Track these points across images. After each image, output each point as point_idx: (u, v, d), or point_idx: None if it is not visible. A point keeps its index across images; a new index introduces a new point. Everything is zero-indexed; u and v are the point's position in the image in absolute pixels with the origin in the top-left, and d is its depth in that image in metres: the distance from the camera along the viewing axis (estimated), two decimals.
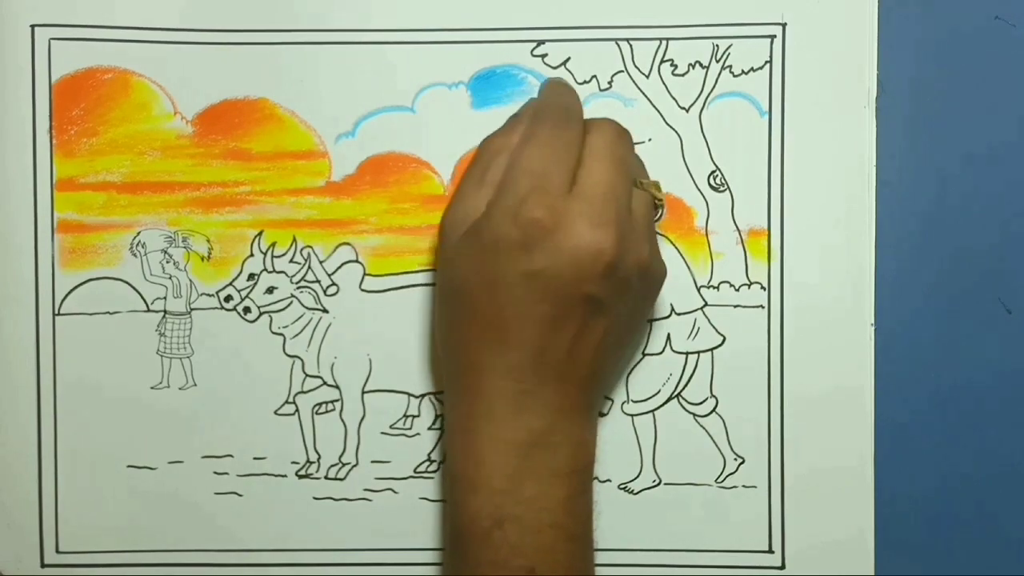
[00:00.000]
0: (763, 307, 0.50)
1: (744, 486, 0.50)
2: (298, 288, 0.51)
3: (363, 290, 0.51)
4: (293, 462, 0.51)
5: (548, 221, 0.42)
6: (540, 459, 0.44)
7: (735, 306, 0.50)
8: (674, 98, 0.50)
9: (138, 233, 0.50)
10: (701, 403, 0.51)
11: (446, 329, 0.46)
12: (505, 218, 0.43)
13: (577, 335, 0.44)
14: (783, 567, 0.50)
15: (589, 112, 0.49)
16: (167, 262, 0.51)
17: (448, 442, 0.47)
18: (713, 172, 0.50)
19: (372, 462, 0.51)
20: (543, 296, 0.43)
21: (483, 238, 0.44)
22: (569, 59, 0.50)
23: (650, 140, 0.50)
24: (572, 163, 0.44)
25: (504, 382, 0.44)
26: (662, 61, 0.50)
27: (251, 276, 0.51)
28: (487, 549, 0.43)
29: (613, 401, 0.51)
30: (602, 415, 0.51)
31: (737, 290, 0.50)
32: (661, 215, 0.50)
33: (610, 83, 0.50)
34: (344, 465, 0.51)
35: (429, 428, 0.51)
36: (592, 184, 0.43)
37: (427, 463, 0.51)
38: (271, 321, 0.51)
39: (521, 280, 0.43)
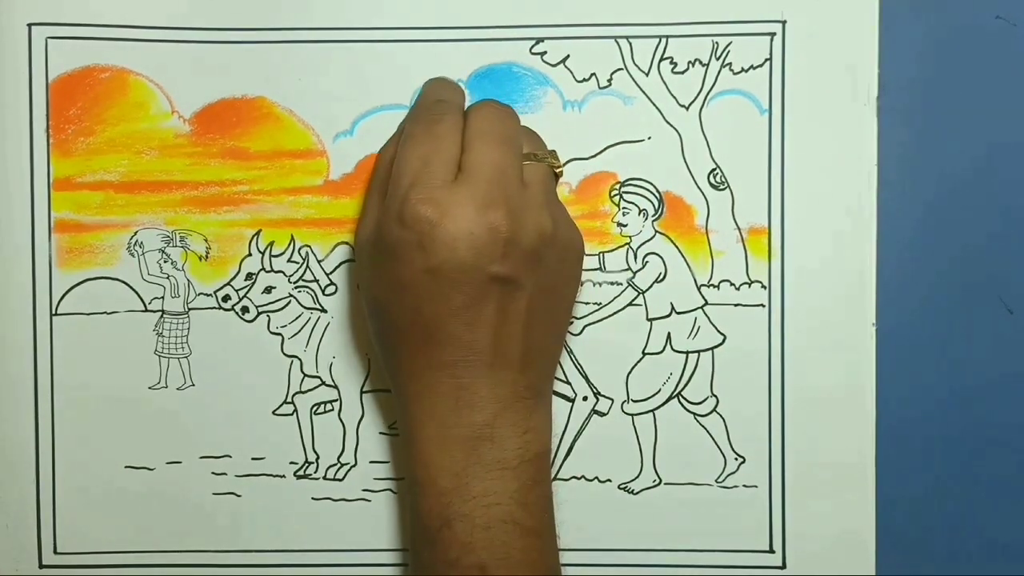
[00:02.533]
0: (764, 306, 0.50)
1: (745, 486, 0.50)
2: (296, 288, 0.51)
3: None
4: (291, 462, 0.51)
5: (433, 214, 0.42)
6: (486, 453, 0.44)
7: (735, 305, 0.50)
8: (674, 96, 0.50)
9: (135, 233, 0.50)
10: (701, 402, 0.50)
11: (376, 341, 0.47)
12: (393, 222, 0.43)
13: (499, 318, 0.44)
14: (783, 567, 0.50)
15: (588, 110, 0.49)
16: (165, 262, 0.50)
17: (400, 448, 0.47)
18: (713, 170, 0.50)
19: (371, 462, 0.51)
20: (451, 288, 0.43)
21: (381, 247, 0.44)
22: (568, 57, 0.50)
23: (650, 138, 0.50)
24: (453, 151, 0.44)
25: (438, 381, 0.44)
26: (662, 59, 0.50)
27: (249, 276, 0.51)
28: (438, 549, 0.43)
29: (613, 401, 0.50)
30: (602, 415, 0.50)
31: (738, 289, 0.50)
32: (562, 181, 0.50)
33: (609, 81, 0.50)
34: (343, 465, 0.51)
35: None
36: (475, 166, 0.44)
37: None
38: (269, 321, 0.51)
39: (425, 278, 0.43)
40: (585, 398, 0.50)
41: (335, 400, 0.51)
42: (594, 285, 0.50)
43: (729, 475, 0.50)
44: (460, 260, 0.43)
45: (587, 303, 0.50)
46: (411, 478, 0.45)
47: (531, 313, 0.44)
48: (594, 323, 0.50)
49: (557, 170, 0.48)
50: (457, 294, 0.43)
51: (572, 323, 0.50)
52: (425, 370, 0.44)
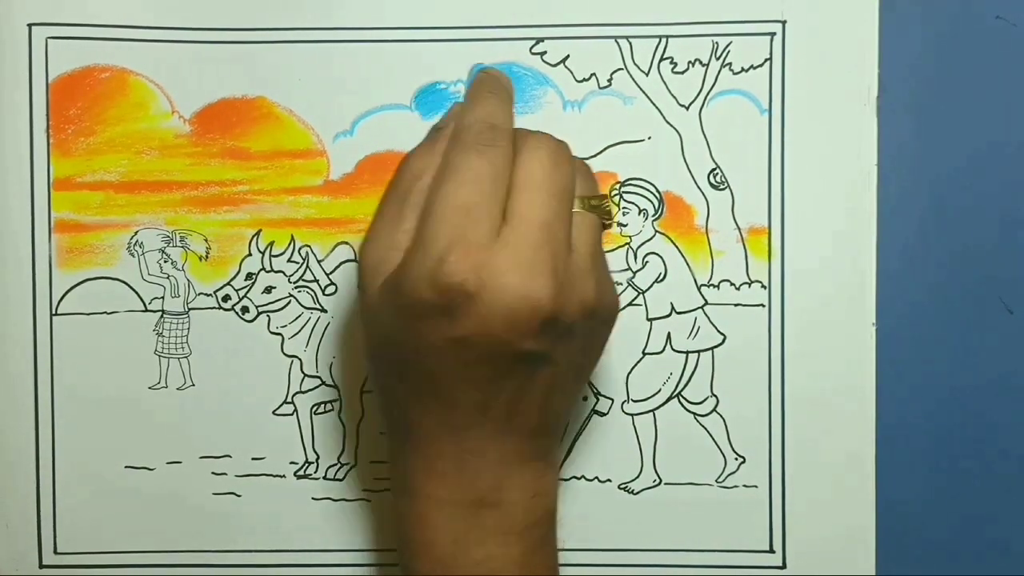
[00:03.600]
0: (764, 306, 0.50)
1: (745, 486, 0.50)
2: (296, 287, 0.51)
3: None
4: (292, 462, 0.51)
5: (472, 283, 0.38)
6: (489, 519, 0.41)
7: (735, 305, 0.50)
8: (674, 96, 0.50)
9: (136, 233, 0.50)
10: (701, 402, 0.50)
11: (378, 383, 0.43)
12: (423, 280, 0.38)
13: (520, 389, 0.40)
14: (784, 567, 0.50)
15: (588, 110, 0.49)
16: (165, 262, 0.50)
17: (392, 500, 0.44)
18: (713, 170, 0.50)
19: (371, 462, 0.51)
20: (476, 359, 0.39)
21: (402, 298, 0.39)
22: (568, 57, 0.50)
23: (650, 138, 0.50)
24: (500, 196, 0.39)
25: (444, 441, 0.41)
26: (662, 59, 0.50)
27: (249, 275, 0.51)
28: None
29: (613, 401, 0.50)
30: (602, 415, 0.50)
31: (738, 289, 0.50)
32: (611, 225, 0.46)
33: (609, 81, 0.50)
34: (343, 465, 0.51)
35: None
36: (523, 224, 0.39)
37: None
38: (269, 321, 0.51)
39: (449, 346, 0.39)
40: (585, 398, 0.50)
41: (335, 400, 0.51)
42: None
43: (729, 475, 0.50)
44: (492, 335, 0.38)
45: None
46: (405, 539, 0.42)
47: (555, 384, 0.41)
48: None
49: (606, 221, 0.43)
50: (482, 366, 0.39)
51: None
52: (430, 428, 0.41)
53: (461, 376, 0.39)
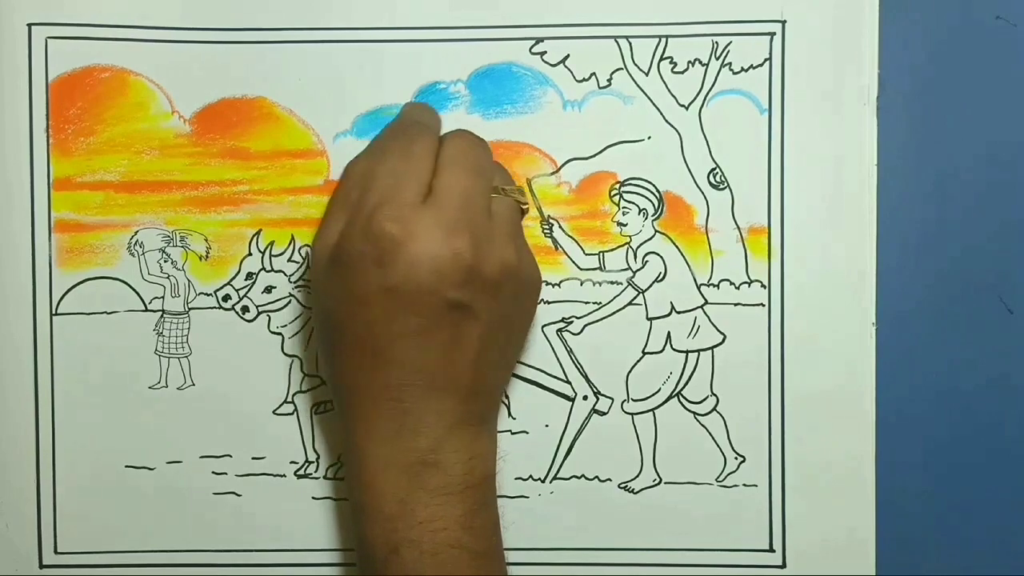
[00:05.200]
0: (763, 305, 0.50)
1: (745, 485, 0.50)
2: (296, 287, 0.51)
3: None
4: (292, 462, 0.51)
5: (399, 233, 0.42)
6: (430, 479, 0.43)
7: (735, 304, 0.50)
8: (673, 96, 0.50)
9: (136, 232, 0.50)
10: (701, 402, 0.50)
11: (324, 356, 0.46)
12: (357, 235, 0.43)
13: (451, 344, 0.43)
14: (784, 566, 0.50)
15: (588, 110, 0.49)
16: (165, 261, 0.50)
17: (344, 469, 0.46)
18: (713, 170, 0.50)
19: None
20: (407, 309, 0.42)
21: (341, 259, 0.44)
22: (568, 56, 0.50)
23: (649, 138, 0.50)
24: (425, 174, 0.44)
25: (383, 403, 0.44)
26: (661, 59, 0.50)
27: (249, 275, 0.51)
28: None
29: (613, 400, 0.50)
30: (602, 414, 0.50)
31: (737, 288, 0.50)
32: (533, 215, 0.50)
33: (609, 81, 0.50)
34: (343, 465, 0.51)
35: None
36: (446, 191, 0.43)
37: None
38: (269, 320, 0.51)
39: (383, 296, 0.42)
40: (585, 397, 0.50)
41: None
42: (594, 285, 0.50)
43: (729, 474, 0.50)
44: (420, 282, 0.42)
45: (587, 303, 0.50)
46: (356, 503, 0.45)
47: (484, 343, 0.44)
48: (594, 323, 0.50)
49: (524, 207, 0.47)
50: (412, 316, 0.43)
51: (520, 355, 0.50)
52: (371, 391, 0.44)
53: (396, 330, 0.43)
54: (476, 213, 0.44)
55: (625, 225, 0.50)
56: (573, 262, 0.50)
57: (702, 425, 0.50)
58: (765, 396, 0.50)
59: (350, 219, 0.44)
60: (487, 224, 0.44)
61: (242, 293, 0.51)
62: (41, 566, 0.51)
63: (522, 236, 0.47)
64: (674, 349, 0.50)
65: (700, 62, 0.50)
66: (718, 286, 0.50)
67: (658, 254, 0.50)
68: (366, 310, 0.43)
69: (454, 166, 0.44)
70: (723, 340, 0.50)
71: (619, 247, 0.50)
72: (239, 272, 0.51)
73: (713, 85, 0.50)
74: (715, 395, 0.50)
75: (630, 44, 0.50)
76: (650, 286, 0.50)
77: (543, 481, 0.51)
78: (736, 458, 0.50)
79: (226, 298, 0.51)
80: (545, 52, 0.50)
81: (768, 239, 0.50)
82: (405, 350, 0.43)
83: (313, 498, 0.51)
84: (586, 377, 0.51)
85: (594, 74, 0.50)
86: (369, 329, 0.43)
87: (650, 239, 0.50)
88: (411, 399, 0.43)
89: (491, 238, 0.44)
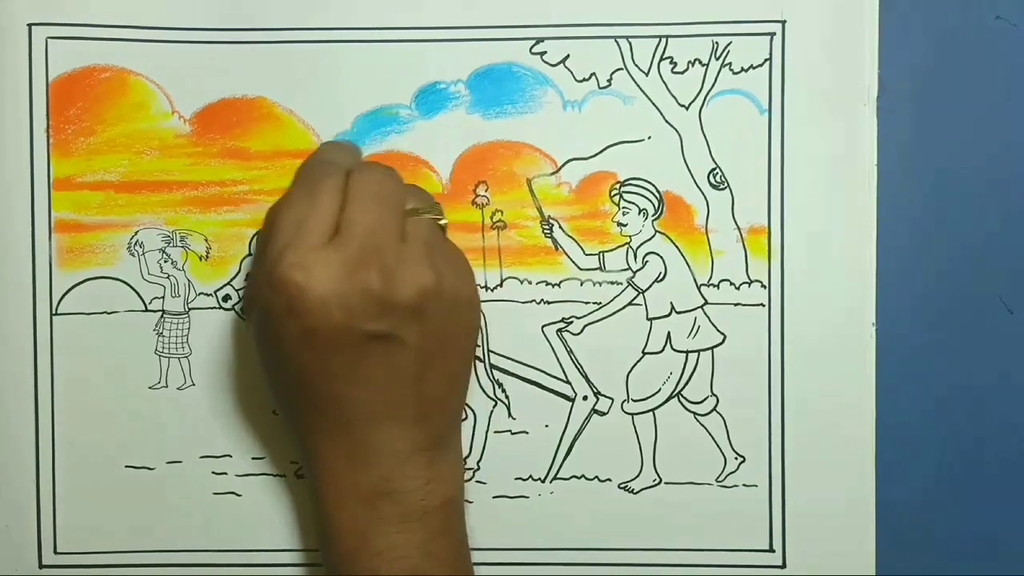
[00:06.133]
0: (763, 305, 0.50)
1: (745, 485, 0.50)
2: None
3: None
4: (292, 462, 0.51)
5: (302, 278, 0.42)
6: (385, 508, 0.44)
7: (735, 304, 0.50)
8: (674, 96, 0.50)
9: (136, 232, 0.50)
10: (701, 402, 0.50)
11: (272, 393, 0.47)
12: (264, 286, 0.43)
13: (386, 375, 0.43)
14: (784, 566, 0.50)
15: (588, 110, 0.50)
16: (165, 261, 0.50)
17: (309, 497, 0.47)
18: (713, 170, 0.50)
19: None
20: (330, 349, 0.43)
21: (254, 309, 0.44)
22: (568, 57, 0.50)
23: (649, 138, 0.50)
24: (329, 213, 0.44)
25: (333, 438, 0.44)
26: (661, 59, 0.50)
27: (249, 275, 0.51)
28: None
29: (613, 400, 0.50)
30: (602, 414, 0.50)
31: (737, 288, 0.50)
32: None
33: (609, 81, 0.50)
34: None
35: None
36: (350, 226, 0.43)
37: None
38: None
39: (301, 343, 0.43)
40: (585, 397, 0.50)
41: None
42: (594, 285, 0.50)
43: (729, 474, 0.50)
44: (333, 322, 0.42)
45: (587, 303, 0.50)
46: (319, 534, 0.46)
47: (420, 367, 0.44)
48: (594, 323, 0.50)
49: (441, 222, 0.47)
50: (335, 356, 0.43)
51: (470, 371, 0.49)
52: (319, 429, 0.44)
53: (325, 372, 0.43)
54: (384, 242, 0.43)
55: (625, 225, 0.50)
56: (573, 262, 0.50)
57: (702, 425, 0.50)
58: (765, 396, 0.50)
59: (258, 271, 0.45)
60: (397, 251, 0.44)
61: (242, 293, 0.51)
62: (41, 566, 0.51)
63: (445, 252, 0.46)
64: (674, 349, 0.50)
65: (700, 62, 0.50)
66: (718, 286, 0.50)
67: (658, 254, 0.50)
68: (293, 356, 0.43)
69: (357, 200, 0.44)
70: (723, 340, 0.50)
71: (619, 247, 0.50)
72: (239, 272, 0.51)
73: (713, 85, 0.50)
74: (715, 395, 0.50)
75: (630, 44, 0.50)
76: (650, 286, 0.50)
77: (543, 481, 0.51)
78: (736, 458, 0.50)
79: (226, 298, 0.51)
80: (545, 52, 0.50)
81: (768, 239, 0.50)
82: (341, 388, 0.43)
83: None
84: (586, 377, 0.50)
85: (594, 74, 0.50)
86: (301, 374, 0.44)
87: (650, 239, 0.50)
88: (358, 432, 0.44)
89: (403, 264, 0.43)
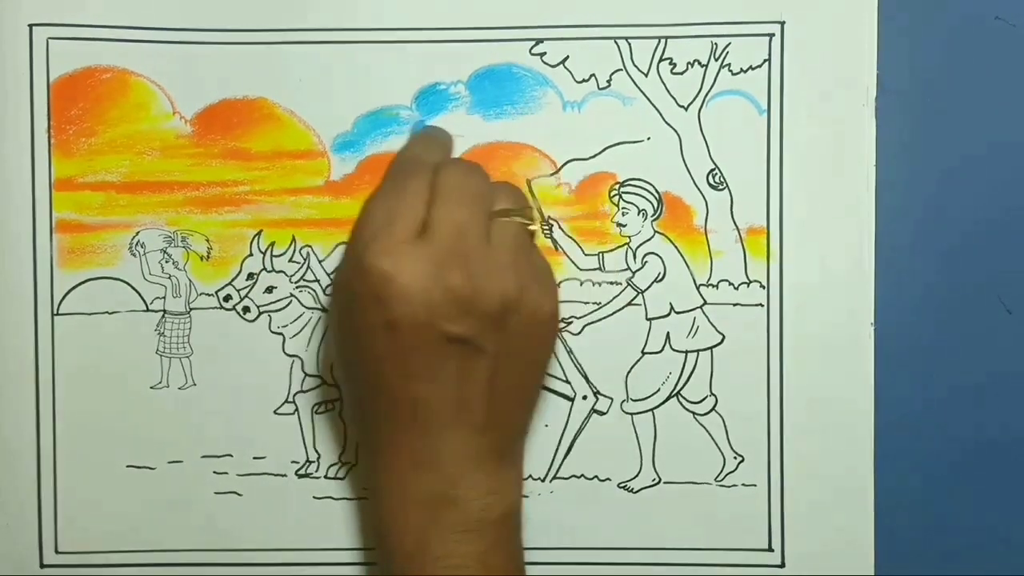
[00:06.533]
0: (762, 306, 0.50)
1: (744, 485, 0.50)
2: (297, 287, 0.51)
3: None
4: (293, 461, 0.51)
5: (390, 267, 0.42)
6: (446, 515, 0.43)
7: (734, 304, 0.50)
8: (673, 96, 0.50)
9: (137, 233, 0.50)
10: (700, 402, 0.51)
11: (344, 389, 0.48)
12: (351, 270, 0.43)
13: (460, 380, 0.43)
14: (783, 566, 0.50)
15: (588, 111, 0.50)
16: (166, 262, 0.51)
17: (369, 496, 0.47)
18: (712, 170, 0.50)
19: None
20: (409, 344, 0.42)
21: (340, 292, 0.45)
22: (567, 57, 0.50)
23: (649, 139, 0.50)
24: (417, 210, 0.44)
25: (399, 438, 0.44)
26: (661, 59, 0.50)
27: (250, 275, 0.51)
28: None
29: (613, 400, 0.51)
30: (602, 414, 0.51)
31: (736, 288, 0.50)
32: (548, 235, 0.50)
33: (609, 82, 0.50)
34: (344, 464, 0.51)
35: None
36: (439, 224, 0.43)
37: None
38: (270, 320, 0.51)
39: (382, 331, 0.42)
40: (585, 397, 0.51)
41: (336, 399, 0.51)
42: (594, 285, 0.50)
43: (728, 474, 0.50)
44: (415, 317, 0.42)
45: (587, 303, 0.50)
46: (377, 536, 0.45)
47: (495, 377, 0.44)
48: (594, 323, 0.50)
49: (531, 227, 0.46)
50: (412, 352, 0.42)
51: (540, 387, 0.49)
52: (387, 427, 0.44)
53: (401, 368, 0.43)
54: (470, 244, 0.43)
55: (624, 226, 0.50)
56: (572, 262, 0.50)
57: (701, 425, 0.50)
58: (764, 396, 0.50)
59: (348, 257, 0.45)
60: (484, 254, 0.43)
61: (243, 293, 0.51)
62: (42, 566, 0.51)
63: (529, 261, 0.45)
64: (673, 349, 0.50)
65: (699, 63, 0.50)
66: (717, 286, 0.50)
67: (657, 254, 0.50)
68: (373, 346, 0.43)
69: (445, 198, 0.44)
70: (722, 340, 0.50)
71: (618, 247, 0.50)
72: (240, 272, 0.51)
73: (712, 86, 0.50)
74: (714, 395, 0.50)
75: (629, 45, 0.50)
76: (649, 286, 0.50)
77: (543, 481, 0.51)
78: (735, 458, 0.50)
79: (227, 298, 0.51)
80: (545, 53, 0.50)
81: (767, 239, 0.50)
82: (415, 386, 0.43)
83: (314, 498, 0.51)
84: (585, 377, 0.51)
85: (594, 75, 0.50)
86: (378, 368, 0.43)
87: (649, 239, 0.50)
88: (425, 435, 0.43)
89: (489, 269, 0.43)
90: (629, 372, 0.50)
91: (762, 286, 0.50)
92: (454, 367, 0.43)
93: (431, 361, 0.43)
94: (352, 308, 0.43)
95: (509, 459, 0.46)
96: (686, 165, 0.50)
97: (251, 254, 0.51)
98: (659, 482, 0.51)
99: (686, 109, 0.50)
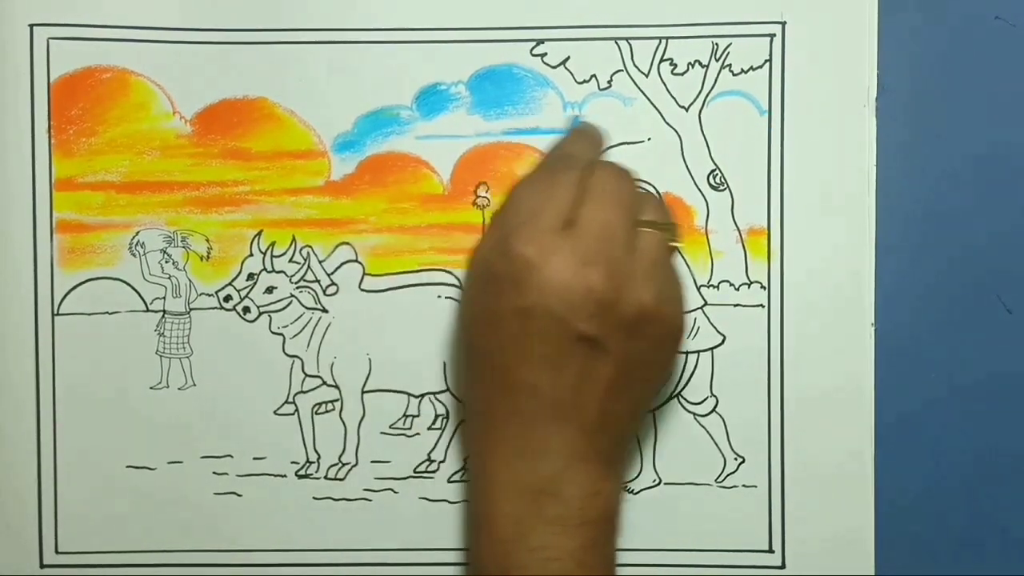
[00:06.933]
0: (763, 306, 0.50)
1: (744, 485, 0.50)
2: (297, 288, 0.51)
3: (362, 290, 0.51)
4: (293, 462, 0.51)
5: (535, 256, 0.42)
6: (548, 507, 0.43)
7: (735, 305, 0.50)
8: (673, 97, 0.50)
9: (137, 233, 0.50)
10: (701, 402, 0.51)
11: (460, 366, 0.47)
12: (495, 252, 0.43)
13: (580, 377, 0.43)
14: (783, 566, 0.50)
15: (588, 111, 0.50)
16: (166, 262, 0.50)
17: (470, 479, 0.47)
18: (713, 171, 0.50)
19: (372, 462, 0.51)
20: (538, 333, 0.42)
21: (478, 272, 0.45)
22: (568, 58, 0.50)
23: (649, 139, 0.50)
24: (566, 202, 0.43)
25: (509, 425, 0.44)
26: (661, 60, 0.50)
27: (250, 276, 0.51)
28: None
29: None
30: None
31: (737, 289, 0.50)
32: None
33: (609, 82, 0.50)
34: (344, 465, 0.51)
35: (429, 428, 0.51)
36: (586, 222, 0.43)
37: (427, 463, 0.51)
38: (270, 321, 0.51)
39: (515, 316, 0.42)
40: None
41: (336, 400, 0.51)
42: None
43: (729, 475, 0.50)
44: (551, 309, 0.42)
45: None
46: (474, 519, 0.45)
47: (614, 380, 0.43)
48: None
49: (672, 243, 0.46)
50: (542, 343, 0.42)
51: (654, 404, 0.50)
52: (498, 412, 0.44)
53: (525, 354, 0.43)
54: (615, 247, 0.43)
55: None
56: None
57: (702, 426, 0.51)
58: (765, 397, 0.50)
59: (493, 237, 0.44)
60: (627, 260, 0.43)
61: (243, 293, 0.51)
62: (42, 566, 0.51)
63: (667, 275, 0.45)
64: None
65: (700, 63, 0.50)
66: (718, 287, 0.50)
67: None
68: (500, 329, 0.43)
69: (596, 198, 0.43)
70: (723, 341, 0.50)
71: None
72: (240, 272, 0.51)
73: (713, 86, 0.50)
74: (715, 396, 0.50)
75: (630, 46, 0.50)
76: None
77: None
78: (736, 459, 0.50)
79: (227, 298, 0.51)
80: (546, 54, 0.50)
81: (768, 240, 0.50)
82: (534, 375, 0.43)
83: (314, 498, 0.51)
84: None
85: (594, 76, 0.50)
86: (501, 349, 0.43)
87: None
88: (535, 424, 0.43)
89: (630, 276, 0.43)
90: None
91: (763, 287, 0.50)
92: (577, 364, 0.43)
93: (556, 354, 0.43)
94: (488, 289, 0.44)
95: (613, 465, 0.45)
96: (687, 166, 0.50)
97: (251, 254, 0.51)
98: (659, 483, 0.51)
99: (687, 110, 0.50)
